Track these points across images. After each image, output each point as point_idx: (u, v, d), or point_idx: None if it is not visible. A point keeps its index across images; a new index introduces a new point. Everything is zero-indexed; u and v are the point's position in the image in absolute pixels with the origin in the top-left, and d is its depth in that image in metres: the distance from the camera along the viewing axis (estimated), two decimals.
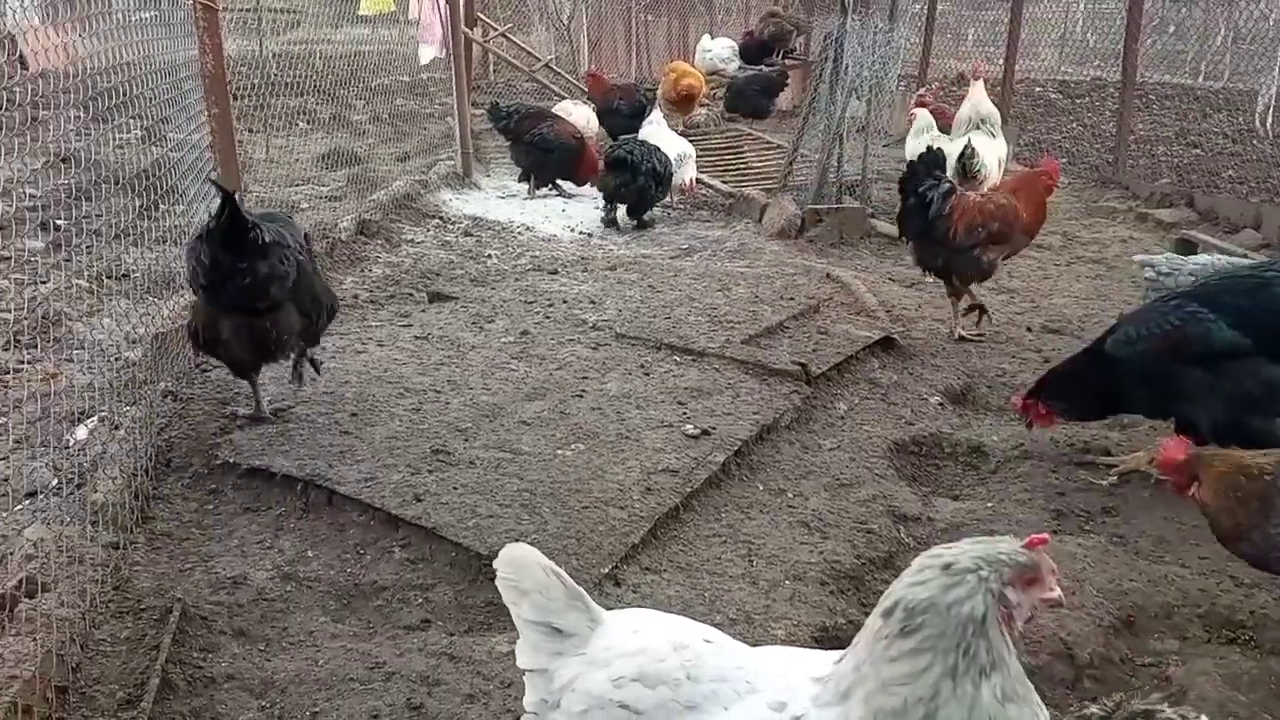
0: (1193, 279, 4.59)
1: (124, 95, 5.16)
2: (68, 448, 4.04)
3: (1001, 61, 12.55)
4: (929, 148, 6.35)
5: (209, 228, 3.97)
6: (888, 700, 1.73)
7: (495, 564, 2.00)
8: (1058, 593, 1.83)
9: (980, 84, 8.88)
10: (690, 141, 9.86)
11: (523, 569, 1.98)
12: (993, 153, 8.33)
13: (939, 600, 1.75)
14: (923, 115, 8.99)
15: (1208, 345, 3.93)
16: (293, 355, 4.52)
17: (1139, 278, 6.01)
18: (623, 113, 11.09)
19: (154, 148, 6.66)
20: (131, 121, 7.09)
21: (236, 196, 4.02)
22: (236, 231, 3.95)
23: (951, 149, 7.91)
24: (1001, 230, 5.79)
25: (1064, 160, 11.31)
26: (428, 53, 10.96)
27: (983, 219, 5.75)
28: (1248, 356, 3.89)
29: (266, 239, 4.02)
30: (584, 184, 9.76)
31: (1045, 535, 1.86)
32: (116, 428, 4.15)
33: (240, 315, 4.14)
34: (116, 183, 6.53)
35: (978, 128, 8.49)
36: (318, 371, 4.81)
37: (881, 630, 1.80)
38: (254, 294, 4.07)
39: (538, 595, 1.98)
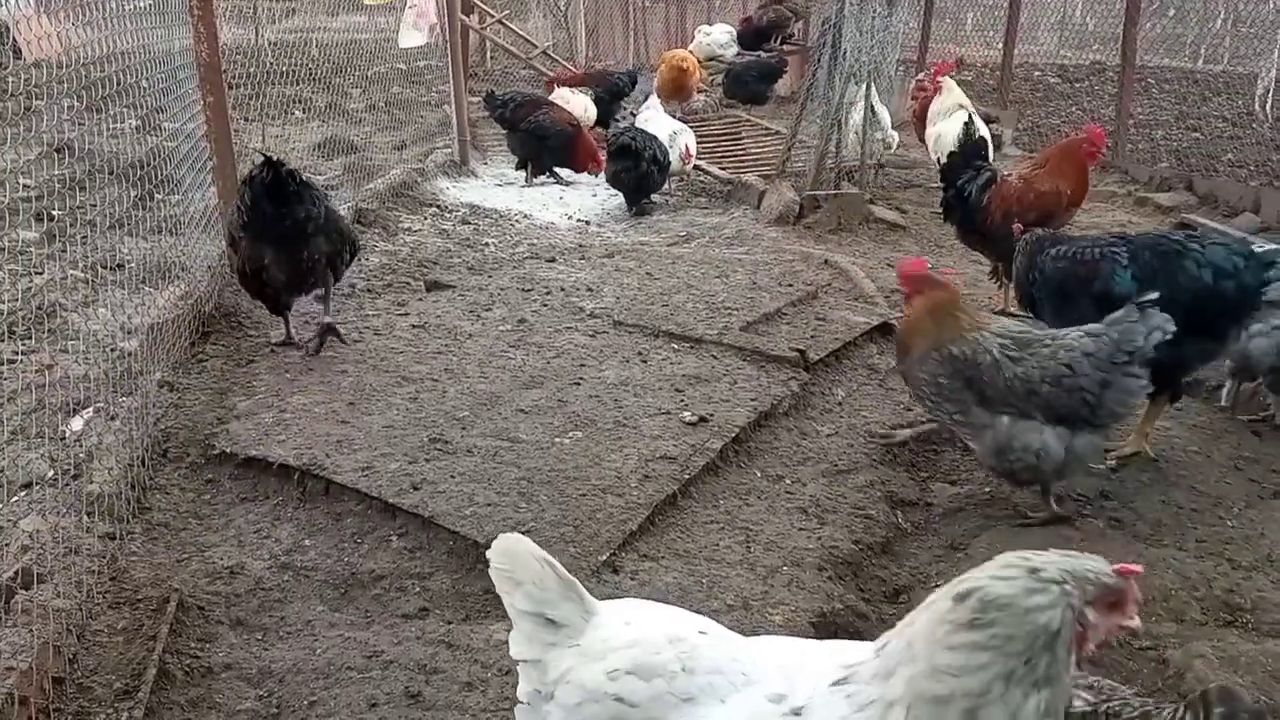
0: None
1: (119, 84, 5.14)
2: (63, 439, 4.04)
3: (1000, 46, 12.51)
4: (967, 133, 6.37)
5: (253, 178, 4.92)
6: (933, 686, 1.65)
7: (489, 554, 2.00)
8: (1137, 622, 1.76)
9: (950, 80, 9.07)
10: (689, 127, 9.84)
11: (516, 559, 1.97)
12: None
13: (1018, 602, 1.66)
14: (948, 90, 8.94)
15: (1107, 287, 4.09)
16: (321, 286, 5.26)
17: None
18: (603, 100, 11.29)
19: (149, 137, 6.64)
20: (126, 111, 7.07)
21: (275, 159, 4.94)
22: (278, 182, 4.88)
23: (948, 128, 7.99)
24: (1040, 218, 5.58)
25: None
26: (410, 37, 10.89)
27: (1020, 209, 5.72)
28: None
29: (299, 185, 4.97)
30: (581, 171, 9.74)
31: (1138, 567, 1.79)
32: (112, 418, 4.15)
33: (281, 247, 5.00)
34: (111, 173, 6.52)
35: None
36: (343, 341, 5.26)
37: (948, 614, 1.70)
38: (295, 229, 4.97)
39: (531, 586, 1.97)
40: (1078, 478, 4.11)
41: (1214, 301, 3.99)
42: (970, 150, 5.83)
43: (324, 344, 5.16)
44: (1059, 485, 4.01)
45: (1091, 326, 3.80)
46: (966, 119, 8.31)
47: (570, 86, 11.22)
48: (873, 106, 8.76)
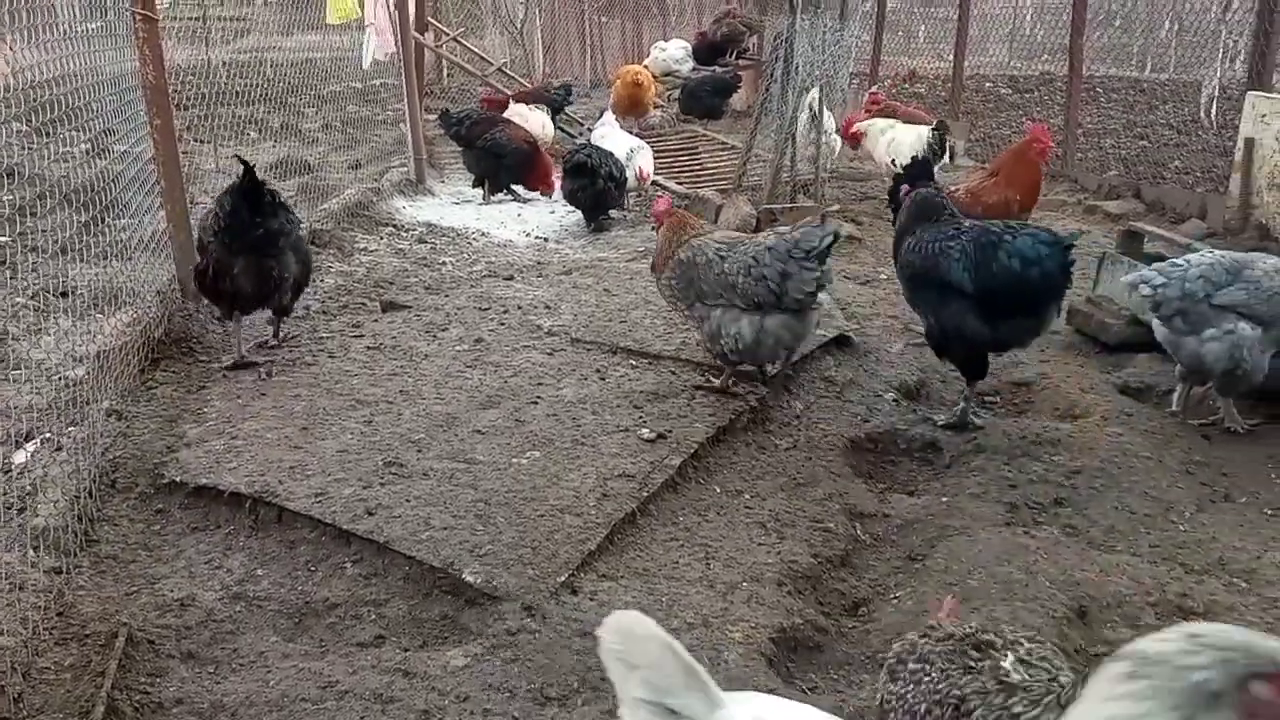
0: (1201, 280, 4.57)
1: (67, 107, 5.06)
2: (7, 472, 3.94)
3: (951, 58, 12.68)
4: (914, 157, 6.41)
5: (234, 188, 5.05)
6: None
7: (601, 632, 1.75)
8: None
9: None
10: (646, 144, 9.87)
11: (633, 640, 1.74)
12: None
13: (1172, 659, 1.67)
14: (873, 123, 9.18)
15: (944, 275, 4.69)
16: (281, 302, 5.41)
17: (1087, 271, 6.11)
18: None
19: (98, 160, 6.54)
20: (75, 134, 6.97)
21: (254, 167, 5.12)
22: (256, 193, 5.04)
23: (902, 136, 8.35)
24: None
25: None
26: (372, 57, 10.86)
27: None
28: (964, 297, 4.63)
29: (277, 200, 5.22)
30: (533, 191, 9.75)
31: None
32: (58, 449, 4.06)
33: (251, 256, 5.10)
34: (59, 197, 6.41)
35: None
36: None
37: (1108, 672, 1.69)
38: (266, 241, 5.12)
39: (649, 671, 1.74)
40: (775, 355, 4.94)
41: (1025, 285, 4.50)
42: (917, 169, 5.86)
43: (280, 334, 5.52)
44: (772, 365, 5.08)
45: (780, 229, 4.91)
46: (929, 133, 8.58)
47: (511, 104, 11.16)
48: (812, 111, 8.84)
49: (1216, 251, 4.88)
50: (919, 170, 5.73)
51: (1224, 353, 4.54)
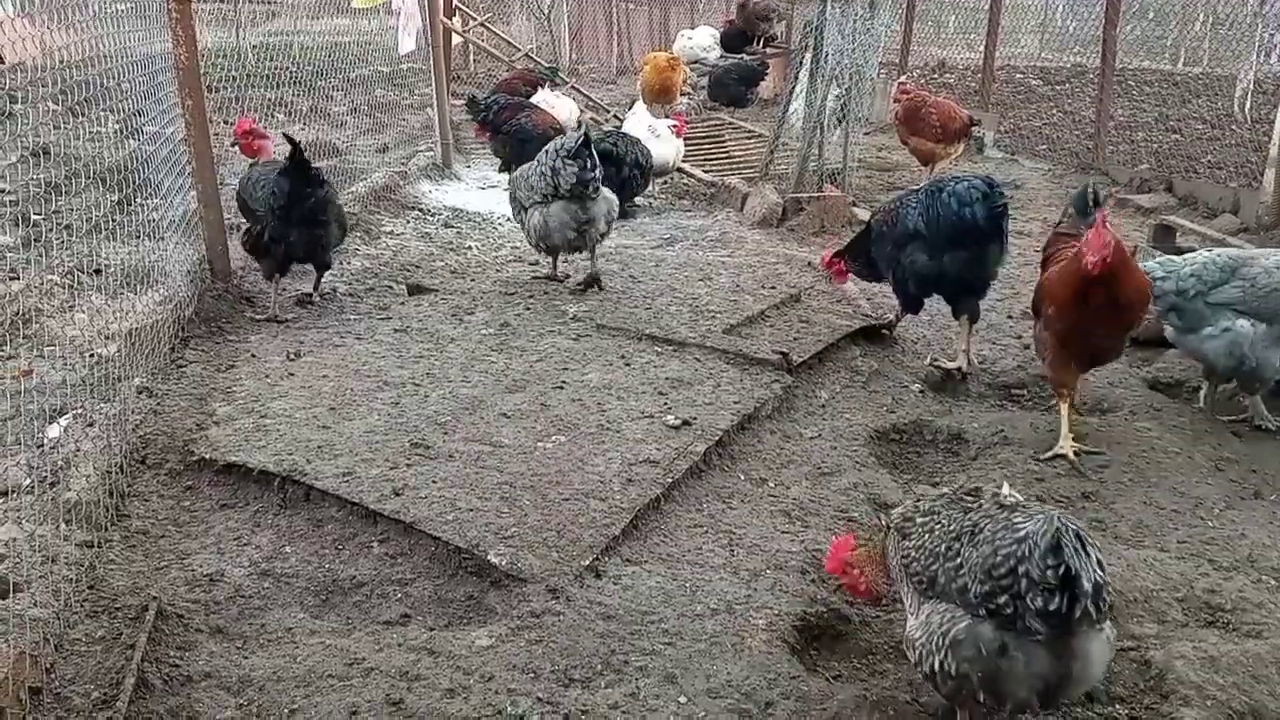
0: (1195, 279, 4.65)
1: (99, 88, 5.10)
2: (41, 446, 3.99)
3: (982, 48, 12.57)
4: None
5: (286, 168, 5.62)
6: None
7: None
8: None
9: None
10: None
11: None
12: None
13: None
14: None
15: (902, 226, 5.32)
16: (324, 259, 6.03)
17: None
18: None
19: (129, 141, 6.59)
20: (107, 114, 7.03)
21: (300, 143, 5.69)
22: (305, 168, 5.62)
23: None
24: None
25: (1044, 147, 11.36)
26: (407, 44, 10.89)
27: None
28: (919, 238, 5.26)
29: (322, 175, 5.81)
30: None
31: None
32: (90, 425, 4.11)
33: (304, 225, 5.71)
34: (91, 176, 6.47)
35: None
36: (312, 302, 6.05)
37: None
38: (316, 209, 5.72)
39: None
40: (562, 236, 6.21)
41: (963, 224, 5.11)
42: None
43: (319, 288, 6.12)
44: (570, 252, 6.49)
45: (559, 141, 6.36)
46: None
47: (508, 90, 11.14)
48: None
49: (1217, 250, 4.91)
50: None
51: (1223, 350, 4.56)
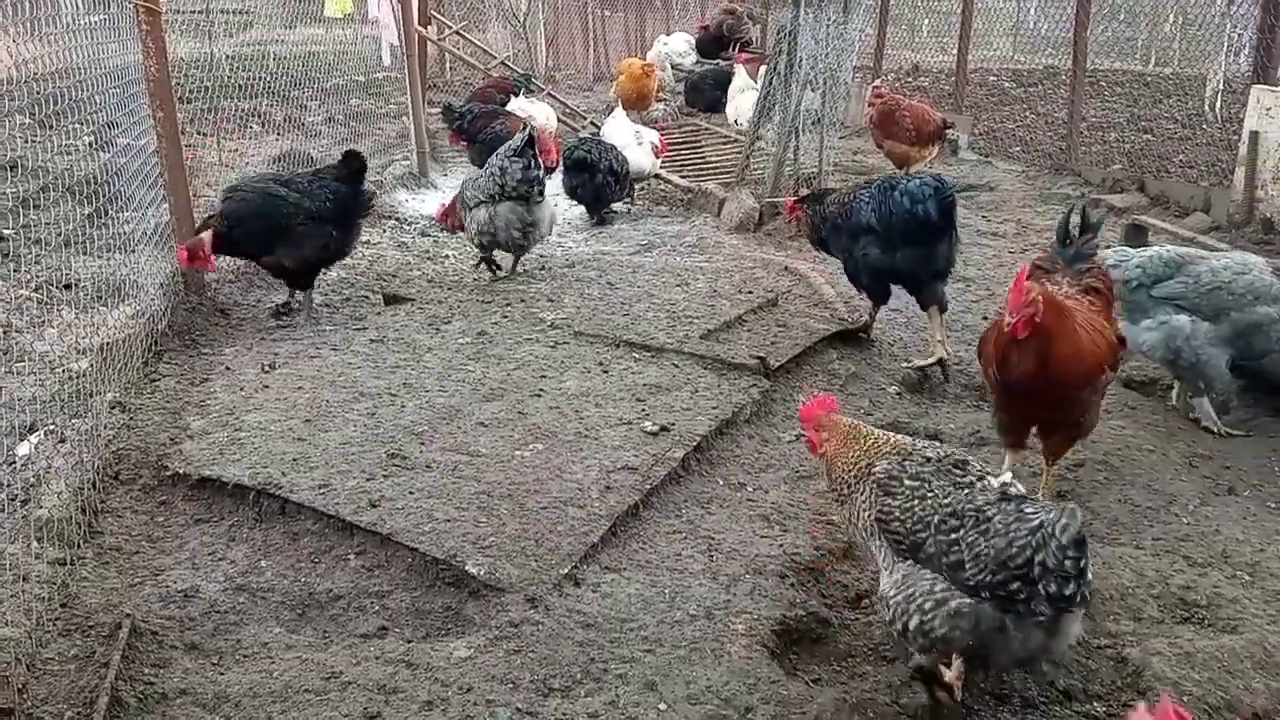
0: (1140, 270, 4.79)
1: (71, 100, 5.06)
2: (11, 463, 3.95)
3: (955, 51, 12.66)
4: None
5: (354, 170, 6.14)
6: None
7: None
8: None
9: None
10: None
11: None
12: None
13: None
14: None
15: (855, 219, 5.48)
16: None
17: None
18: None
19: (101, 153, 6.54)
20: (79, 127, 6.97)
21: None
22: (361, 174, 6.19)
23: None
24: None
25: (1018, 148, 11.44)
26: (389, 57, 10.90)
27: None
28: (872, 233, 5.41)
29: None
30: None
31: None
32: (62, 441, 4.07)
33: (341, 228, 6.06)
34: (63, 190, 6.42)
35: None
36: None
37: None
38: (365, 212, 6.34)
39: None
40: (507, 235, 6.55)
41: (915, 220, 5.26)
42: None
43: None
44: (517, 252, 6.80)
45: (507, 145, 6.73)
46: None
47: (512, 99, 11.15)
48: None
49: (1166, 247, 5.01)
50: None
51: (1159, 342, 4.67)
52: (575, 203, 9.01)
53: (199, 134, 8.81)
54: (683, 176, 10.04)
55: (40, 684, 2.97)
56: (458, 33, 14.61)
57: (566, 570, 3.50)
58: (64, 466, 3.88)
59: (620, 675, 3.04)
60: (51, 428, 4.15)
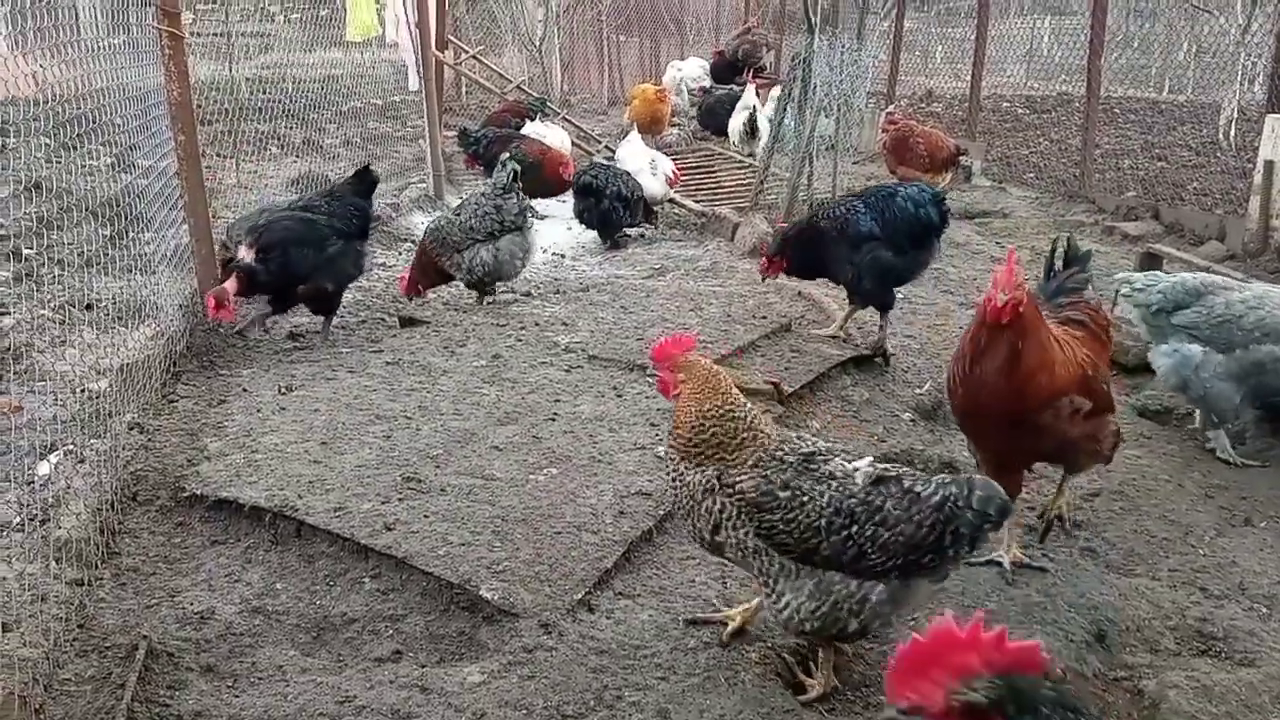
0: (1161, 296, 4.81)
1: (93, 122, 5.13)
2: (31, 483, 3.98)
3: (969, 78, 12.70)
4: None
5: (369, 185, 6.38)
6: None
7: None
8: None
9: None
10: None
11: None
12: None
13: None
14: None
15: (854, 230, 5.71)
16: None
17: (1106, 293, 6.11)
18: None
19: (123, 175, 6.62)
20: (100, 149, 7.06)
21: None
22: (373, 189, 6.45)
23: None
24: None
25: (1031, 175, 11.46)
26: (415, 81, 11.03)
27: None
28: (875, 239, 5.70)
29: None
30: (561, 189, 9.70)
31: None
32: (81, 461, 4.10)
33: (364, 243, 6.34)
34: (84, 211, 6.50)
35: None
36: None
37: None
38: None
39: None
40: (514, 270, 6.83)
41: (920, 223, 5.67)
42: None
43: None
44: (509, 280, 7.02)
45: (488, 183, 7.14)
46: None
47: (497, 123, 11.28)
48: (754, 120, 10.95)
49: (1197, 274, 5.01)
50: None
51: (1170, 370, 4.69)
52: (586, 227, 9.07)
53: (218, 156, 8.90)
54: (696, 201, 10.08)
55: (57, 704, 2.98)
56: (474, 57, 14.76)
57: (580, 596, 3.50)
58: (83, 487, 3.91)
59: (634, 703, 3.03)
60: (71, 448, 4.18)
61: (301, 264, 5.82)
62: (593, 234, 9.15)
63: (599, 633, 3.34)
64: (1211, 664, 3.29)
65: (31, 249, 6.24)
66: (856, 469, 2.96)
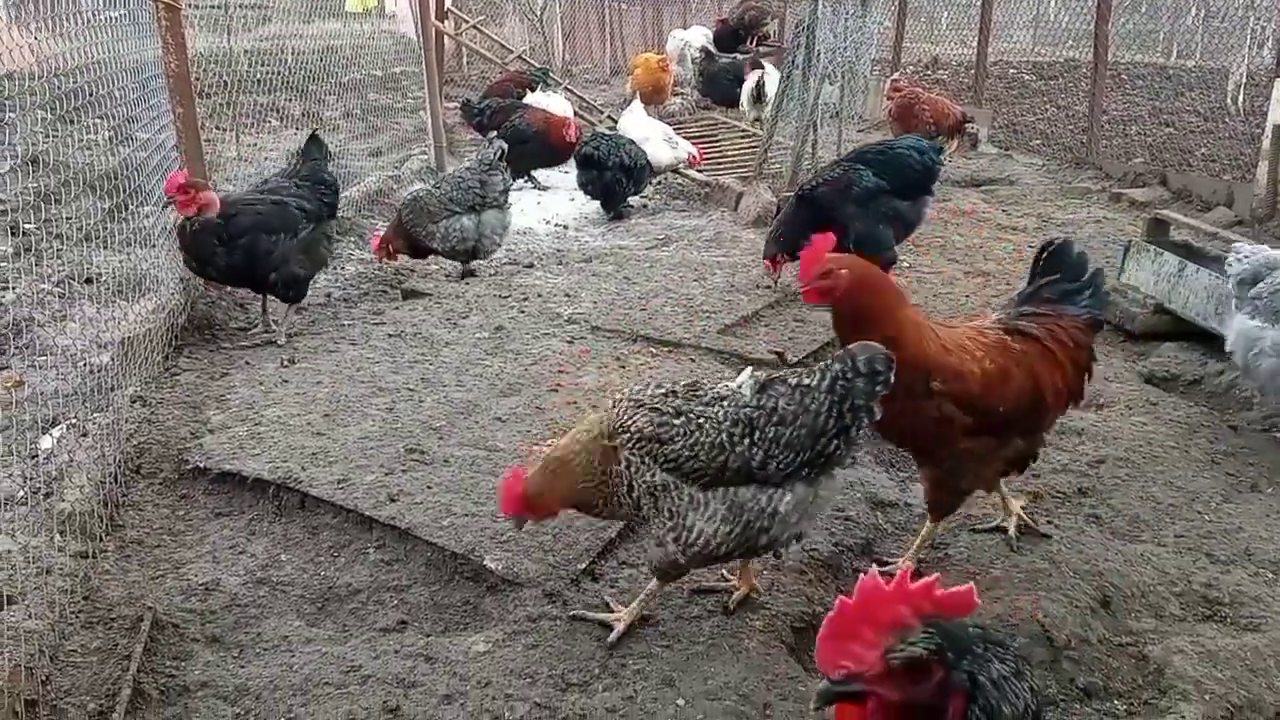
0: (1247, 266, 4.54)
1: (91, 95, 5.09)
2: (34, 457, 3.98)
3: (975, 44, 12.57)
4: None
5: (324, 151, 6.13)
6: None
7: None
8: None
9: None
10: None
11: None
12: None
13: None
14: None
15: (860, 189, 5.89)
16: None
17: (1113, 259, 6.06)
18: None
19: (121, 148, 6.58)
20: (99, 122, 7.01)
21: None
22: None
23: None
24: None
25: (1038, 142, 11.36)
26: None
27: None
28: (885, 194, 5.90)
29: None
30: (567, 156, 9.65)
31: None
32: (84, 435, 4.10)
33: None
34: (83, 185, 6.46)
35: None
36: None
37: None
38: None
39: None
40: (493, 245, 6.88)
41: (923, 168, 5.96)
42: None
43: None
44: (485, 257, 6.95)
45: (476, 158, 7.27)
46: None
47: (499, 93, 11.19)
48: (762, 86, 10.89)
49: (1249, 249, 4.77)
50: None
51: (1231, 341, 4.52)
52: (589, 198, 9.02)
53: (217, 129, 8.84)
54: (699, 171, 10.01)
55: (64, 676, 2.99)
56: (475, 27, 14.64)
57: (584, 565, 3.50)
58: (86, 460, 3.90)
59: (638, 671, 3.04)
60: (74, 421, 4.18)
61: (273, 251, 5.44)
62: (596, 204, 9.09)
63: (602, 602, 3.34)
64: (1217, 629, 3.28)
65: (31, 223, 6.21)
66: (740, 384, 3.04)
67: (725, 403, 2.98)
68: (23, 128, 6.92)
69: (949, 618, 1.54)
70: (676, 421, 2.96)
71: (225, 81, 8.63)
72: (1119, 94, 12.87)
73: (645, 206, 9.22)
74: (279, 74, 9.84)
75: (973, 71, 12.76)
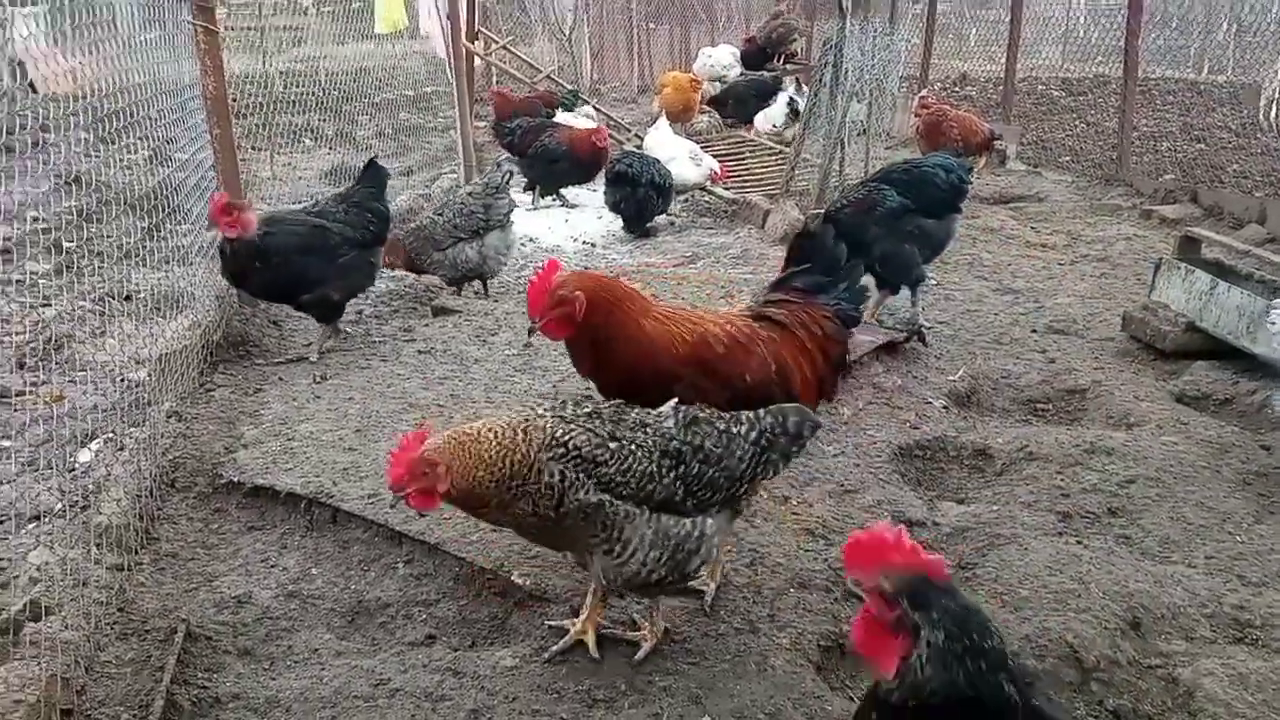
0: None
1: (130, 116, 5.21)
2: (72, 470, 4.06)
3: (1003, 60, 12.54)
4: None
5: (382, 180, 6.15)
6: None
7: None
8: None
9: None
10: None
11: None
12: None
13: None
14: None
15: (886, 209, 5.80)
16: None
17: (1144, 277, 6.03)
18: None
19: (160, 168, 6.71)
20: (138, 142, 7.15)
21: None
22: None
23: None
24: None
25: (1067, 158, 11.31)
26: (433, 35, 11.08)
27: None
28: (910, 213, 5.82)
29: None
30: (596, 174, 9.77)
31: None
32: (121, 449, 4.17)
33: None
34: (122, 204, 6.59)
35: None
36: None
37: None
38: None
39: None
40: (498, 266, 7.02)
41: (955, 188, 5.90)
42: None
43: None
44: (491, 278, 7.06)
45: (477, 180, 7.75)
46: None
47: (508, 111, 11.25)
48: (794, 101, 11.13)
49: None
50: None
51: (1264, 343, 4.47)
52: (617, 216, 9.06)
53: (253, 149, 8.99)
54: (726, 188, 10.05)
55: (98, 686, 3.05)
56: (504, 47, 14.78)
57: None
58: (123, 474, 3.98)
59: (665, 688, 3.05)
60: (111, 436, 4.26)
61: (307, 273, 5.52)
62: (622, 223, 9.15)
63: (625, 618, 3.36)
64: (1248, 652, 3.25)
65: (71, 242, 6.33)
66: (661, 412, 3.06)
67: (649, 430, 2.97)
68: (64, 149, 7.07)
69: (924, 575, 1.97)
70: (612, 445, 2.91)
71: (261, 102, 8.79)
72: (1149, 110, 12.78)
73: (673, 224, 9.27)
74: (313, 94, 10.01)
75: (1001, 88, 12.73)
